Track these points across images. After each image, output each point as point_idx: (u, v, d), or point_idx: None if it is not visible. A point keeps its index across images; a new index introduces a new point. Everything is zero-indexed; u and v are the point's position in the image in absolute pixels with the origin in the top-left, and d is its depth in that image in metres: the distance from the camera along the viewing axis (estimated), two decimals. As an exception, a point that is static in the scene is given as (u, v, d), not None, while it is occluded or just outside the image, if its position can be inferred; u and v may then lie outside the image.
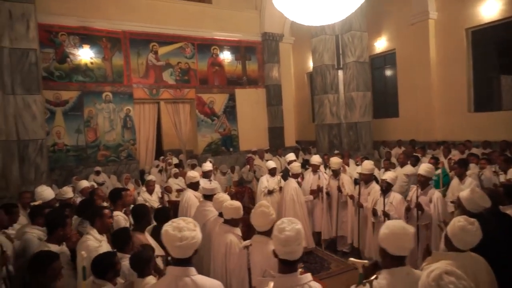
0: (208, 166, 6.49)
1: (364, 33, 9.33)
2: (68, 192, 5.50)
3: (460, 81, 9.77)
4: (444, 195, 5.59)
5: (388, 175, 4.89)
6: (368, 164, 5.40)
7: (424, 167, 4.65)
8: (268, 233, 2.90)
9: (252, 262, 2.81)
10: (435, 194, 4.50)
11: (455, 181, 5.57)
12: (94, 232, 3.29)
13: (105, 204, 4.81)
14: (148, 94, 10.60)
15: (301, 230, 2.13)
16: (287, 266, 2.12)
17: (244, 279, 2.86)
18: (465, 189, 3.67)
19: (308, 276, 2.14)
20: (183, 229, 2.07)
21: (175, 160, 10.64)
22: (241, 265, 2.95)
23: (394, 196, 4.80)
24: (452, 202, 5.11)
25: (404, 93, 11.35)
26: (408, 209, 4.52)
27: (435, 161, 6.29)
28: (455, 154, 7.66)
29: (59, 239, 3.36)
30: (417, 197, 4.43)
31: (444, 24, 10.07)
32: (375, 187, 5.17)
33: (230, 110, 11.92)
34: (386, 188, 4.80)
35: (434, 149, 8.87)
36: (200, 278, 2.14)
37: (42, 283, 2.42)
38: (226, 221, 3.45)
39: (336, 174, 6.00)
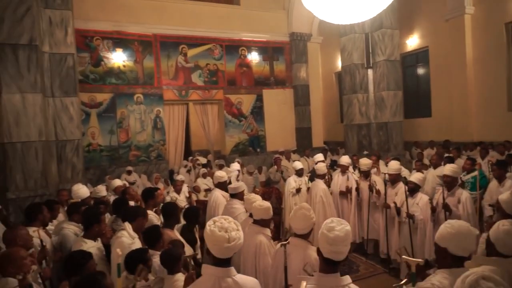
0: (235, 166, 6.55)
1: (396, 31, 9.09)
2: (102, 190, 5.71)
3: (499, 79, 9.30)
4: (481, 198, 5.36)
5: (415, 177, 4.81)
6: (394, 164, 5.35)
7: (449, 167, 4.56)
8: (306, 236, 2.87)
9: (289, 264, 2.73)
10: (463, 194, 4.39)
11: (493, 184, 5.31)
12: (129, 229, 3.40)
13: (134, 203, 4.97)
14: (177, 95, 10.82)
15: (350, 231, 2.10)
16: (330, 266, 2.09)
17: (280, 278, 2.80)
18: (504, 191, 3.50)
19: (348, 278, 2.11)
20: (229, 230, 2.07)
21: (203, 160, 10.79)
22: (278, 264, 2.88)
23: (421, 197, 4.71)
24: (490, 205, 4.88)
25: (438, 92, 10.94)
26: (433, 210, 4.41)
27: (472, 163, 6.03)
28: (494, 156, 7.30)
29: (94, 235, 3.50)
30: (444, 198, 4.30)
31: (482, 19, 9.63)
32: (402, 188, 5.04)
33: (258, 111, 11.95)
34: (413, 189, 4.72)
35: (471, 150, 8.49)
36: (240, 278, 2.14)
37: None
38: (256, 222, 3.45)
39: (366, 175, 5.87)
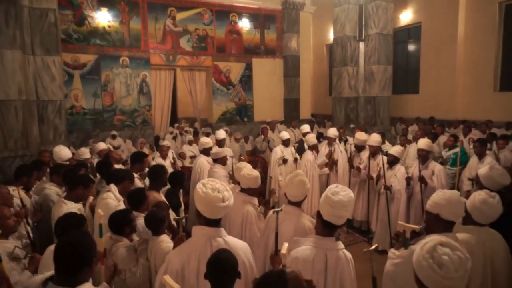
0: (222, 134, 6.50)
1: (390, 4, 8.94)
2: (85, 152, 5.62)
3: (488, 58, 9.35)
4: (460, 173, 5.50)
5: (394, 149, 5.00)
6: (376, 137, 5.49)
7: (424, 141, 4.73)
8: (299, 204, 2.87)
9: (281, 231, 2.72)
10: (437, 167, 4.59)
11: (473, 160, 5.45)
12: (115, 191, 3.37)
13: (119, 166, 4.92)
14: (164, 60, 10.52)
15: (353, 198, 2.16)
16: (327, 229, 2.14)
17: (271, 245, 2.77)
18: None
19: (341, 243, 2.17)
20: (221, 190, 2.09)
21: (188, 128, 10.69)
22: (269, 231, 2.87)
23: (399, 169, 4.88)
24: (470, 179, 5.05)
25: (427, 69, 10.95)
26: (408, 183, 4.56)
27: (454, 139, 6.16)
28: (476, 134, 7.46)
29: (77, 198, 3.46)
30: (420, 170, 4.48)
31: (476, -4, 9.54)
32: (382, 160, 5.19)
33: (246, 80, 11.78)
34: (392, 162, 4.92)
35: (454, 127, 8.64)
36: (231, 239, 2.17)
37: None
38: (243, 190, 3.41)
39: (359, 149, 5.85)
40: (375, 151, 5.39)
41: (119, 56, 9.88)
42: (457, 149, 5.87)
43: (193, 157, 7.48)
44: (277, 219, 2.52)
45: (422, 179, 4.41)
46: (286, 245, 1.90)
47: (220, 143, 6.36)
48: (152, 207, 3.19)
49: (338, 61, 9.37)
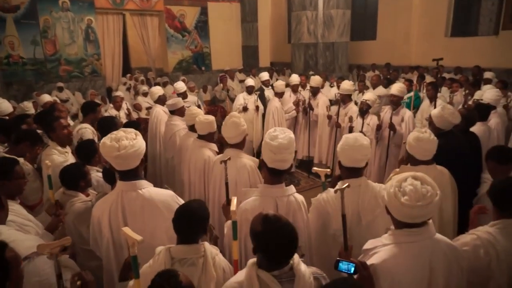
0: (181, 86, 6.18)
1: None
2: (29, 107, 5.16)
3: (442, 4, 9.47)
4: (413, 116, 5.73)
5: (368, 96, 4.84)
6: (346, 84, 5.32)
7: (396, 87, 4.66)
8: (240, 145, 2.88)
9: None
10: (407, 113, 4.58)
11: (425, 103, 5.67)
12: (55, 145, 3.12)
13: (68, 120, 4.57)
14: (111, 3, 9.60)
15: (293, 139, 2.08)
16: (274, 176, 2.09)
17: (221, 193, 2.83)
18: (435, 110, 3.72)
19: (292, 188, 2.14)
20: (122, 139, 1.96)
21: (143, 78, 10.13)
22: (216, 179, 2.92)
23: (371, 118, 4.81)
24: (426, 119, 5.23)
25: (384, 15, 10.93)
26: (378, 129, 4.61)
27: (409, 84, 6.33)
28: (428, 79, 7.72)
29: (20, 154, 3.18)
30: (391, 117, 4.48)
31: None
32: (352, 108, 5.17)
33: (202, 26, 11.16)
34: (366, 109, 4.76)
35: (406, 73, 8.89)
36: (148, 191, 2.05)
37: (8, 187, 2.31)
38: (201, 137, 3.35)
39: (315, 93, 5.86)
40: (345, 99, 5.27)
41: (58, -2, 8.86)
42: (411, 93, 6.06)
43: (149, 109, 7.16)
44: (226, 169, 2.49)
45: (391, 126, 4.41)
46: (234, 200, 1.86)
47: (182, 96, 6.08)
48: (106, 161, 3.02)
49: (297, 4, 9.06)
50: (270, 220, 1.45)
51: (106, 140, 1.96)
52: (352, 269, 1.49)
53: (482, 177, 2.96)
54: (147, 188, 2.06)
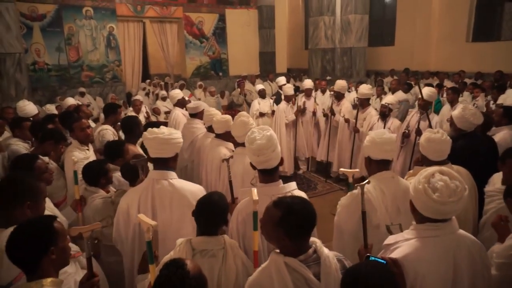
0: (177, 92, 6.28)
1: (367, -50, 8.59)
2: (52, 109, 5.34)
3: (462, 9, 9.31)
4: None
5: (389, 100, 4.72)
6: (365, 88, 5.20)
7: (427, 91, 4.46)
8: None
9: (233, 173, 2.77)
10: (435, 118, 4.43)
11: (446, 108, 5.56)
12: (77, 143, 3.22)
13: (91, 122, 4.69)
14: (132, 11, 9.87)
15: (273, 135, 2.03)
16: (266, 176, 2.05)
17: (227, 191, 2.82)
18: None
19: (293, 184, 2.09)
20: (164, 129, 2.14)
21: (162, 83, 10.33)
22: (223, 177, 2.97)
23: (393, 122, 4.70)
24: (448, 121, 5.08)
25: (403, 20, 10.83)
26: (406, 136, 4.45)
27: (429, 88, 6.22)
28: (449, 84, 7.59)
29: (45, 152, 3.28)
30: (418, 122, 4.33)
31: None
32: (371, 112, 5.08)
33: (220, 32, 11.32)
34: (385, 113, 4.66)
35: (426, 78, 8.76)
36: (179, 182, 2.14)
37: None
38: (218, 136, 3.39)
39: (339, 98, 5.69)
40: (364, 104, 5.18)
41: (81, 6, 9.18)
42: (431, 98, 5.95)
43: (167, 113, 7.27)
44: (228, 167, 2.53)
45: (418, 132, 4.28)
46: (255, 191, 1.84)
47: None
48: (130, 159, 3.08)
49: (314, 10, 9.08)
50: (282, 202, 1.46)
51: (149, 130, 2.12)
52: None
53: (486, 192, 2.66)
54: (177, 179, 2.16)
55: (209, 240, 1.70)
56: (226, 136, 3.35)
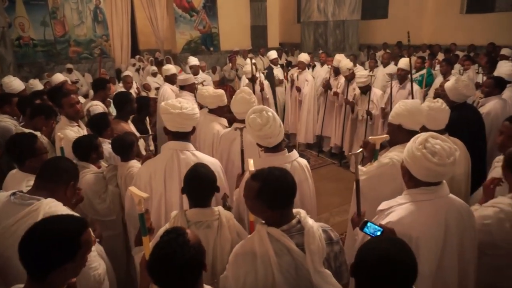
0: (193, 60, 6.21)
1: None
2: (36, 85, 5.24)
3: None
4: (426, 94, 5.63)
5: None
6: (346, 62, 5.30)
7: (403, 61, 4.62)
8: None
9: (232, 149, 2.80)
10: (414, 87, 4.52)
11: (439, 80, 5.55)
12: (66, 120, 3.16)
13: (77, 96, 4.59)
14: (118, -18, 9.52)
15: (273, 116, 2.08)
16: (270, 149, 2.12)
17: (227, 166, 2.84)
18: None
19: (295, 153, 2.15)
20: (183, 102, 2.14)
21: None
22: (222, 148, 2.94)
23: (375, 93, 4.77)
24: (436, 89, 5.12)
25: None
26: (383, 110, 4.54)
27: (422, 61, 6.21)
28: (441, 57, 7.56)
29: (36, 128, 3.23)
30: (394, 91, 4.50)
31: None
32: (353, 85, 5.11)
33: (210, 5, 11.00)
34: (403, 77, 4.68)
35: (423, 51, 8.70)
36: (200, 153, 2.21)
37: (34, 163, 2.32)
38: (212, 111, 3.36)
39: (337, 72, 5.66)
40: (351, 77, 5.18)
41: (65, -22, 8.81)
42: (424, 71, 5.94)
43: (158, 89, 7.16)
44: (241, 136, 2.54)
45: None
46: (251, 162, 1.86)
47: (194, 70, 6.09)
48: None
49: (307, -19, 8.87)
50: (259, 174, 1.46)
51: (168, 102, 2.14)
52: (379, 233, 1.46)
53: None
54: (196, 150, 2.22)
55: (203, 211, 1.71)
56: (218, 111, 3.32)
